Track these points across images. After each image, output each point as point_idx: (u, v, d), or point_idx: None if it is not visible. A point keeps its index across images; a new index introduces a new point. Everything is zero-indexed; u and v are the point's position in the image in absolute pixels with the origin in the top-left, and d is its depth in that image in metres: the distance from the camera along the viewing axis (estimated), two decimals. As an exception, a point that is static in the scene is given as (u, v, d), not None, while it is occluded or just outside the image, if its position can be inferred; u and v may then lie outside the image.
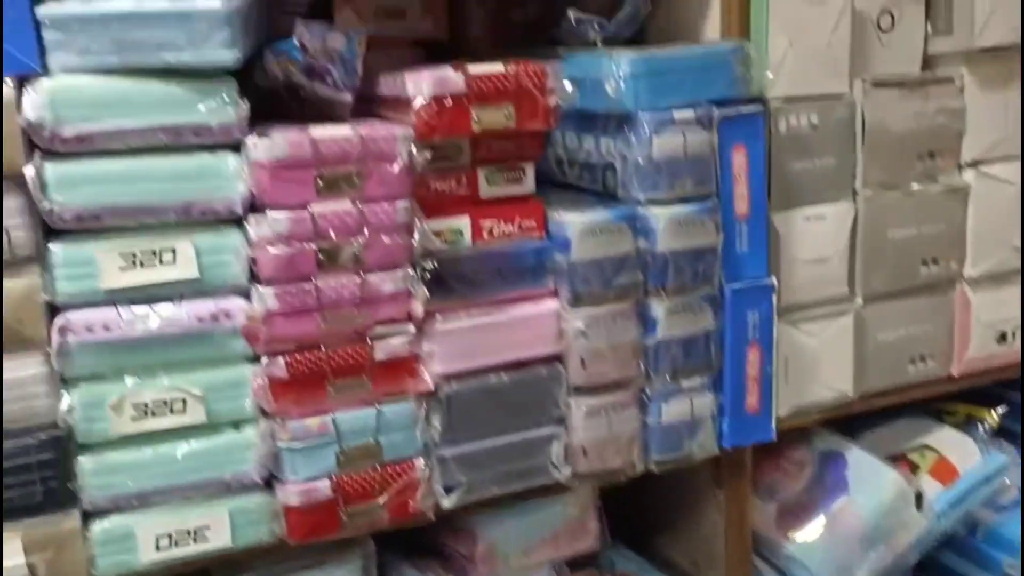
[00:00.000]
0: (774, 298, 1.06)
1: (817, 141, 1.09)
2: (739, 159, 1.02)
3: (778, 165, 1.07)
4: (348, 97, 0.94)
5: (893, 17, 1.11)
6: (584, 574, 1.12)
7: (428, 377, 0.93)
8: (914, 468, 1.25)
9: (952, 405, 1.33)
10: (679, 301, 1.01)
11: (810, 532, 1.17)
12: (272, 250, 0.85)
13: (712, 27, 1.06)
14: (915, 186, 1.15)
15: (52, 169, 0.80)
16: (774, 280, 1.06)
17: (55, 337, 0.82)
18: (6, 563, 0.82)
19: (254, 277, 0.87)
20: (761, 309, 1.06)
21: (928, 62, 1.14)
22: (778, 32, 1.04)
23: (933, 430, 1.29)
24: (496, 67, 0.91)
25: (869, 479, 1.18)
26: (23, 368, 0.83)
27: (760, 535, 1.20)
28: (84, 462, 0.85)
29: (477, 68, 0.91)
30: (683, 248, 1.00)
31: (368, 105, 0.98)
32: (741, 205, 1.04)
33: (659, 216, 0.98)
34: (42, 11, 0.78)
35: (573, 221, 0.96)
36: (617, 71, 0.96)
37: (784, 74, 1.06)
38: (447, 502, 0.96)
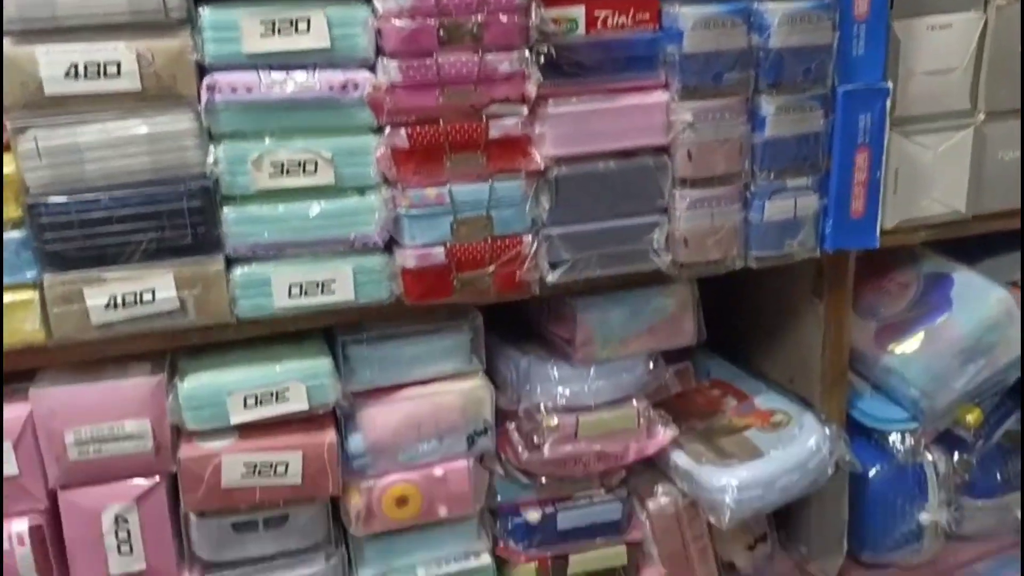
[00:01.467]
0: (888, 103, 1.06)
1: (948, -55, 1.06)
2: (862, -42, 1.01)
3: (904, -32, 1.05)
4: None
5: None
6: (680, 367, 1.18)
7: (539, 158, 0.98)
8: (1026, 295, 1.24)
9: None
10: (789, 99, 1.02)
11: (909, 345, 1.20)
12: (397, 23, 0.91)
13: None
14: (1052, -2, 1.11)
15: (203, -64, 0.87)
16: (889, 84, 1.06)
17: (204, 94, 0.91)
18: (160, 295, 0.94)
19: (380, 51, 0.93)
20: (873, 113, 1.05)
21: None
22: None
23: (1051, 262, 1.27)
24: None
25: (975, 296, 1.18)
26: (176, 123, 0.91)
27: (858, 351, 1.22)
28: (228, 212, 0.94)
29: None
30: (797, 45, 1.00)
31: None
32: (861, 6, 1.03)
33: (774, 11, 0.99)
34: None
35: (687, 13, 0.98)
36: None
37: None
38: (551, 277, 1.02)
